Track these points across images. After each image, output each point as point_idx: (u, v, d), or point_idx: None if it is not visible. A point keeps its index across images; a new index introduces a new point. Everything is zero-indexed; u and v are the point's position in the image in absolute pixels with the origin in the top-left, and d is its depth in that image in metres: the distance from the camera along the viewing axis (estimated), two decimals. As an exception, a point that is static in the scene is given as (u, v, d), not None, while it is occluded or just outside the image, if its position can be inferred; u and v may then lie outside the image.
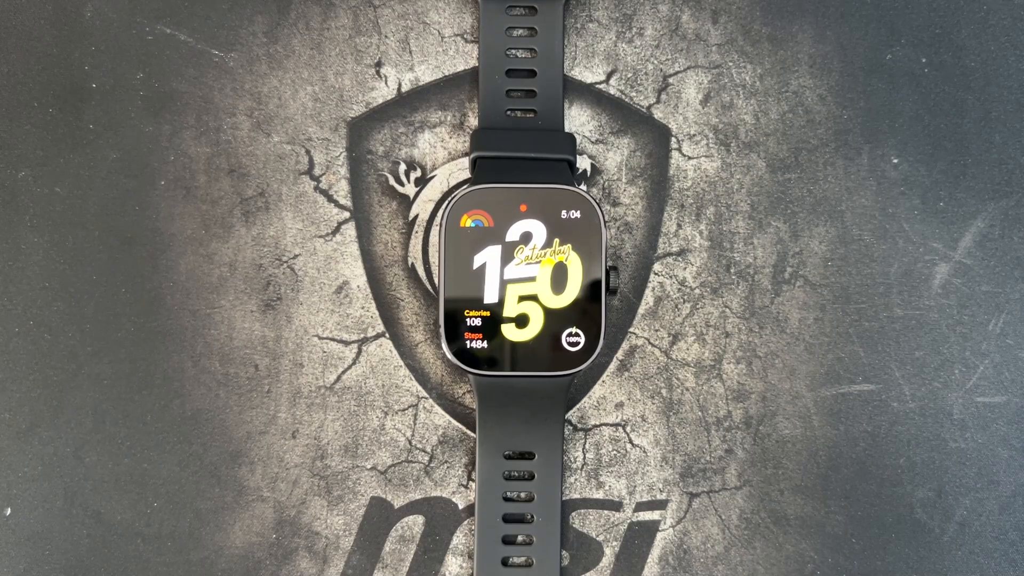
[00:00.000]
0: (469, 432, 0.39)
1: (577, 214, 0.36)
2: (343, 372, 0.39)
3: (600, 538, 0.39)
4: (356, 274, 0.40)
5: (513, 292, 0.36)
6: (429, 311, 0.40)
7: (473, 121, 0.40)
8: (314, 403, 0.39)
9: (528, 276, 0.36)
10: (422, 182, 0.40)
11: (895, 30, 0.41)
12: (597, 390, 0.40)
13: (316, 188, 0.40)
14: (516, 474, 0.38)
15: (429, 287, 0.40)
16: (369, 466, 0.39)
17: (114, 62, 0.40)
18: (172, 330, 0.39)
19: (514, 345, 0.36)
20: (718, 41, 0.40)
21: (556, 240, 0.36)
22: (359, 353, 0.39)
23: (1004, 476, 0.39)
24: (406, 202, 0.40)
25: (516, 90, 0.39)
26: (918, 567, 0.38)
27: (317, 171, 0.40)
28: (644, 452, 0.39)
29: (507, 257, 0.36)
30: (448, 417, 0.39)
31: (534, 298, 0.36)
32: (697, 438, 0.39)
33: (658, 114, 0.40)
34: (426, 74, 0.40)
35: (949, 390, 0.39)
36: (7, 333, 0.39)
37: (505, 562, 0.37)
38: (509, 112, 0.39)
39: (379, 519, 0.39)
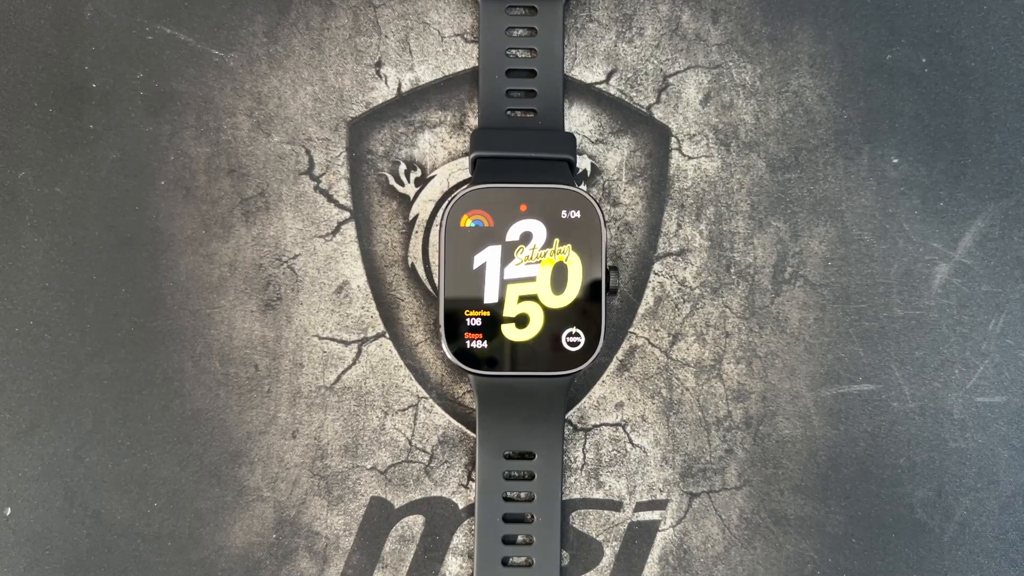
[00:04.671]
0: (469, 432, 0.39)
1: (577, 214, 0.36)
2: (343, 372, 0.39)
3: (600, 538, 0.39)
4: (356, 274, 0.40)
5: (513, 292, 0.36)
6: (429, 311, 0.40)
7: (473, 121, 0.40)
8: (314, 403, 0.39)
9: (528, 276, 0.36)
10: (422, 182, 0.40)
11: (895, 30, 0.41)
12: (597, 390, 0.40)
13: (316, 188, 0.40)
14: (516, 474, 0.38)
15: (429, 287, 0.40)
16: (369, 466, 0.39)
17: (114, 62, 0.40)
18: (172, 330, 0.39)
19: (514, 345, 0.36)
20: (718, 41, 0.40)
21: (556, 240, 0.36)
22: (359, 353, 0.39)
23: (1004, 476, 0.39)
24: (406, 202, 0.40)
25: (516, 90, 0.39)
26: (918, 567, 0.38)
27: (317, 171, 0.40)
28: (644, 452, 0.39)
29: (507, 257, 0.36)
30: (448, 417, 0.39)
31: (534, 298, 0.36)
32: (697, 438, 0.39)
33: (658, 114, 0.40)
34: (426, 74, 0.40)
35: (949, 390, 0.39)
36: (7, 333, 0.39)
37: (505, 562, 0.37)
38: (509, 112, 0.39)
39: (379, 519, 0.39)
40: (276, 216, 0.40)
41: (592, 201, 0.36)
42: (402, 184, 0.40)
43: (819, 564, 0.39)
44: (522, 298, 0.36)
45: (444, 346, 0.36)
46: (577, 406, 0.39)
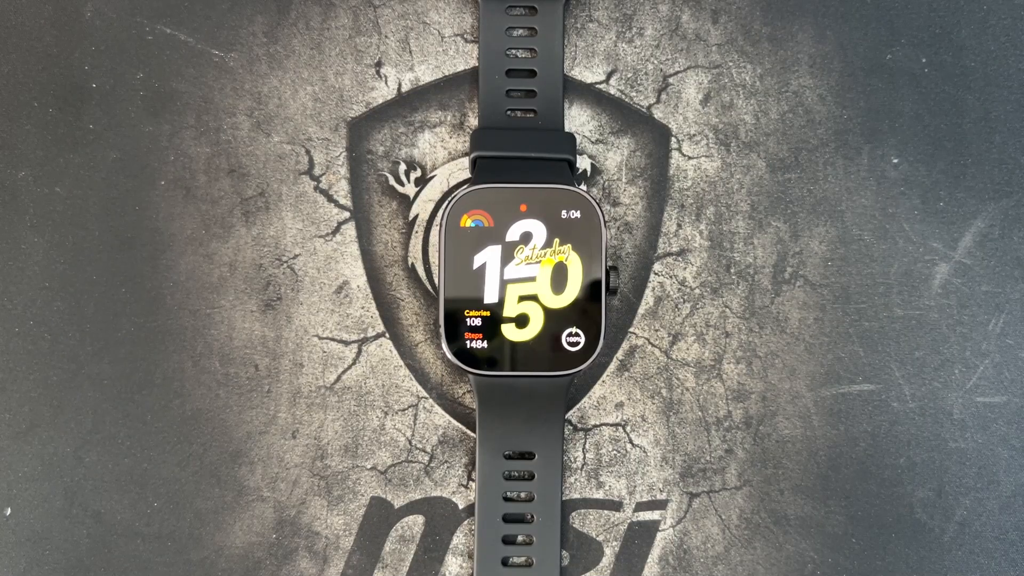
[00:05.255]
0: (469, 432, 0.39)
1: (577, 214, 0.36)
2: (343, 372, 0.39)
3: (600, 538, 0.39)
4: (356, 274, 0.40)
5: (513, 292, 0.36)
6: (429, 311, 0.40)
7: (473, 121, 0.40)
8: (314, 403, 0.39)
9: (528, 276, 0.36)
10: (422, 182, 0.40)
11: (895, 30, 0.41)
12: (597, 390, 0.40)
13: (316, 188, 0.40)
14: (516, 474, 0.38)
15: (429, 287, 0.40)
16: (369, 466, 0.39)
17: (114, 62, 0.40)
18: (172, 330, 0.39)
19: (514, 345, 0.36)
20: (718, 41, 0.40)
21: (556, 240, 0.36)
22: (359, 353, 0.39)
23: (1004, 476, 0.39)
24: (406, 202, 0.40)
25: (516, 90, 0.39)
26: (918, 567, 0.38)
27: (317, 171, 0.40)
28: (644, 452, 0.39)
29: (507, 257, 0.36)
30: (448, 417, 0.39)
31: (534, 298, 0.36)
32: (697, 438, 0.39)
33: (658, 114, 0.40)
34: (426, 74, 0.40)
35: (949, 390, 0.39)
36: (7, 333, 0.39)
37: (505, 562, 0.37)
38: (509, 112, 0.39)
39: (379, 519, 0.39)
40: (276, 216, 0.40)
41: (592, 201, 0.36)
42: (402, 184, 0.40)
43: (819, 564, 0.39)
44: (522, 298, 0.36)
45: (444, 346, 0.36)
46: (577, 406, 0.39)
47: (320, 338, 0.39)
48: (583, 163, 0.40)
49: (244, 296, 0.39)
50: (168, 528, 0.38)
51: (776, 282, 0.40)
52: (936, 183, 0.40)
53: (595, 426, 0.39)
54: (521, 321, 0.36)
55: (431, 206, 0.40)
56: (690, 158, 0.40)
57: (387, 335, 0.40)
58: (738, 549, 0.39)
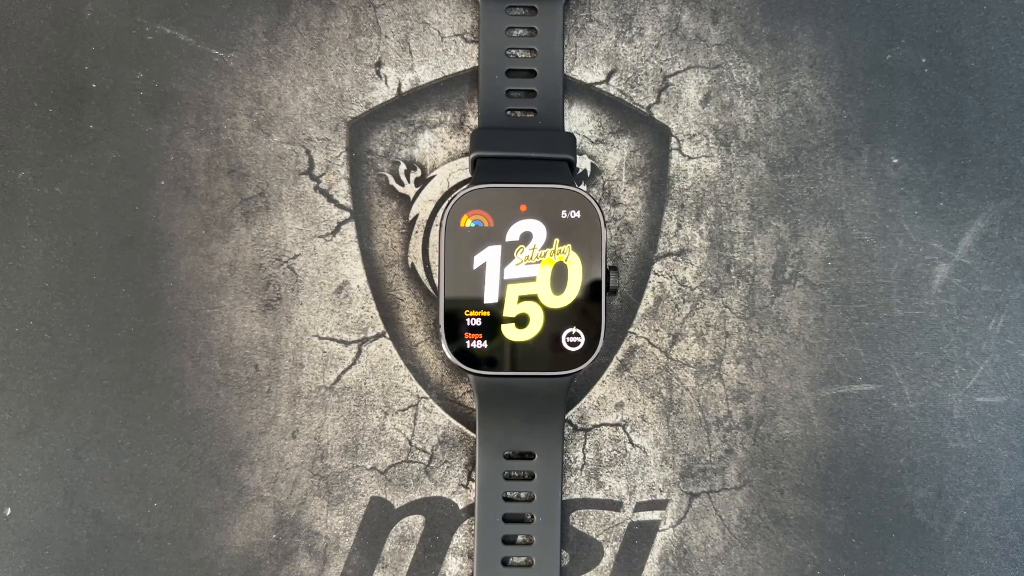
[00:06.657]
0: (469, 432, 0.39)
1: (577, 214, 0.36)
2: (343, 372, 0.39)
3: (600, 538, 0.39)
4: (356, 274, 0.40)
5: (513, 292, 0.36)
6: (429, 311, 0.40)
7: (473, 121, 0.40)
8: (314, 403, 0.39)
9: (528, 276, 0.36)
10: (422, 182, 0.40)
11: (895, 30, 0.41)
12: (597, 390, 0.40)
13: (316, 188, 0.40)
14: (516, 474, 0.38)
15: (429, 287, 0.40)
16: (369, 466, 0.39)
17: (114, 62, 0.40)
18: (172, 330, 0.39)
19: (514, 345, 0.36)
20: (718, 41, 0.40)
21: (556, 240, 0.36)
22: (359, 353, 0.39)
23: (1004, 476, 0.39)
24: (406, 202, 0.40)
25: (516, 90, 0.39)
26: (918, 567, 0.38)
27: (317, 171, 0.40)
28: (644, 452, 0.39)
29: (507, 257, 0.36)
30: (448, 417, 0.39)
31: (534, 298, 0.36)
32: (697, 438, 0.39)
33: (658, 114, 0.40)
34: (426, 74, 0.40)
35: (949, 390, 0.39)
36: (7, 333, 0.39)
37: (505, 562, 0.37)
38: (509, 112, 0.39)
39: (379, 519, 0.39)
40: (276, 216, 0.40)
41: (592, 201, 0.36)
42: (402, 184, 0.40)
43: (819, 564, 0.39)
44: (522, 298, 0.36)
45: (444, 346, 0.36)
46: (577, 406, 0.39)
47: (320, 338, 0.39)
48: (583, 163, 0.40)
49: (244, 296, 0.39)
50: (168, 528, 0.38)
51: (776, 282, 0.40)
52: (936, 183, 0.40)
53: (595, 426, 0.39)
54: (521, 321, 0.36)
55: (431, 206, 0.40)
56: (690, 158, 0.40)
57: (387, 335, 0.40)
58: (738, 549, 0.39)
